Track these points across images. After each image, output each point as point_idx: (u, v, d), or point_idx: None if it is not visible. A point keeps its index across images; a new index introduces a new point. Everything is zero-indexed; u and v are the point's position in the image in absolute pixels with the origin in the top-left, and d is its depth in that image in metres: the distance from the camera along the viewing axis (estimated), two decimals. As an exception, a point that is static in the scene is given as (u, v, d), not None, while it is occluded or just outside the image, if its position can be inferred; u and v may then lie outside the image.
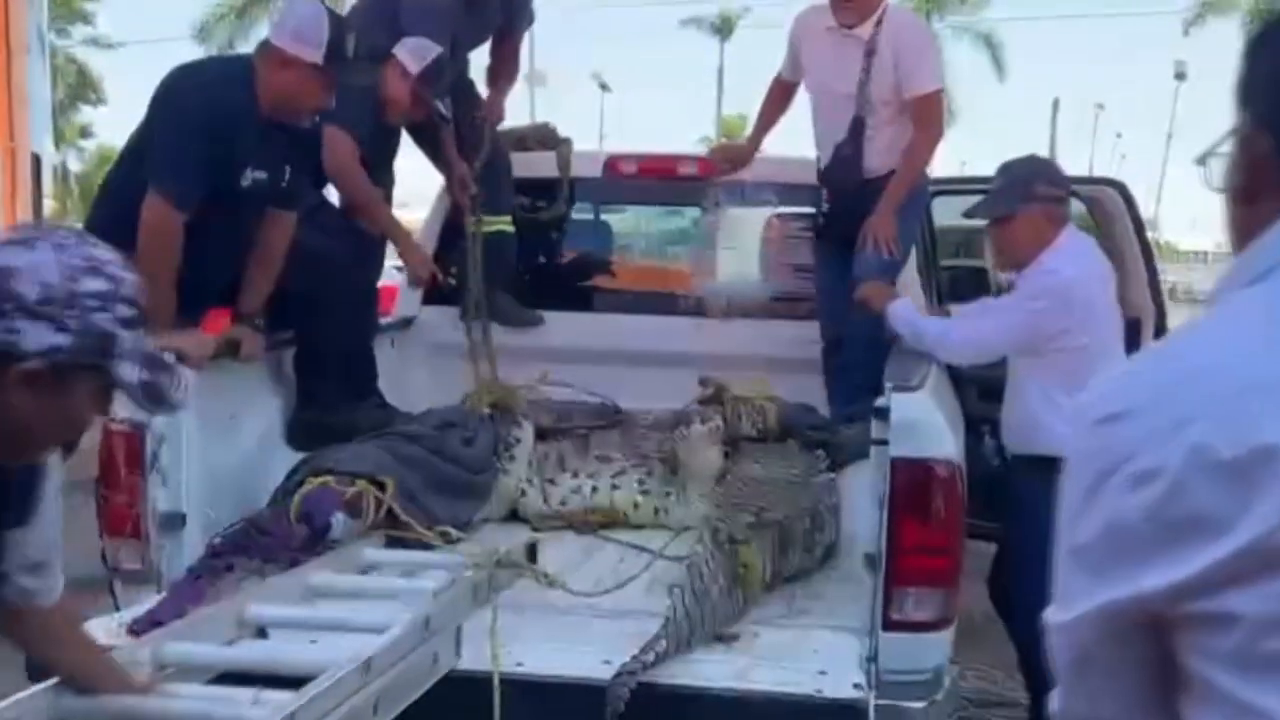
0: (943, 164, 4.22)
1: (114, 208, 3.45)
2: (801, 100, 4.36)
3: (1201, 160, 1.14)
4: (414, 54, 3.99)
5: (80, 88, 32.33)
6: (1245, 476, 0.89)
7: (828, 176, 4.22)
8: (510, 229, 4.50)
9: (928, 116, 4.05)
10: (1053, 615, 1.02)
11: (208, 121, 3.32)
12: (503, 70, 4.73)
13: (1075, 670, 1.02)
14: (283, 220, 3.57)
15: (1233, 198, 1.08)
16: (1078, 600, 0.98)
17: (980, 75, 31.97)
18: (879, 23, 4.05)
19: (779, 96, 4.50)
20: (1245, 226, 1.06)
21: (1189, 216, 64.01)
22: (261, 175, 3.43)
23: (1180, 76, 37.21)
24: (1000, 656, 4.53)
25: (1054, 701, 1.08)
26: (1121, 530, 0.94)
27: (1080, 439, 1.00)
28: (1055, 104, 37.30)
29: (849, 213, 4.13)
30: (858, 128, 4.11)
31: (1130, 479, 0.94)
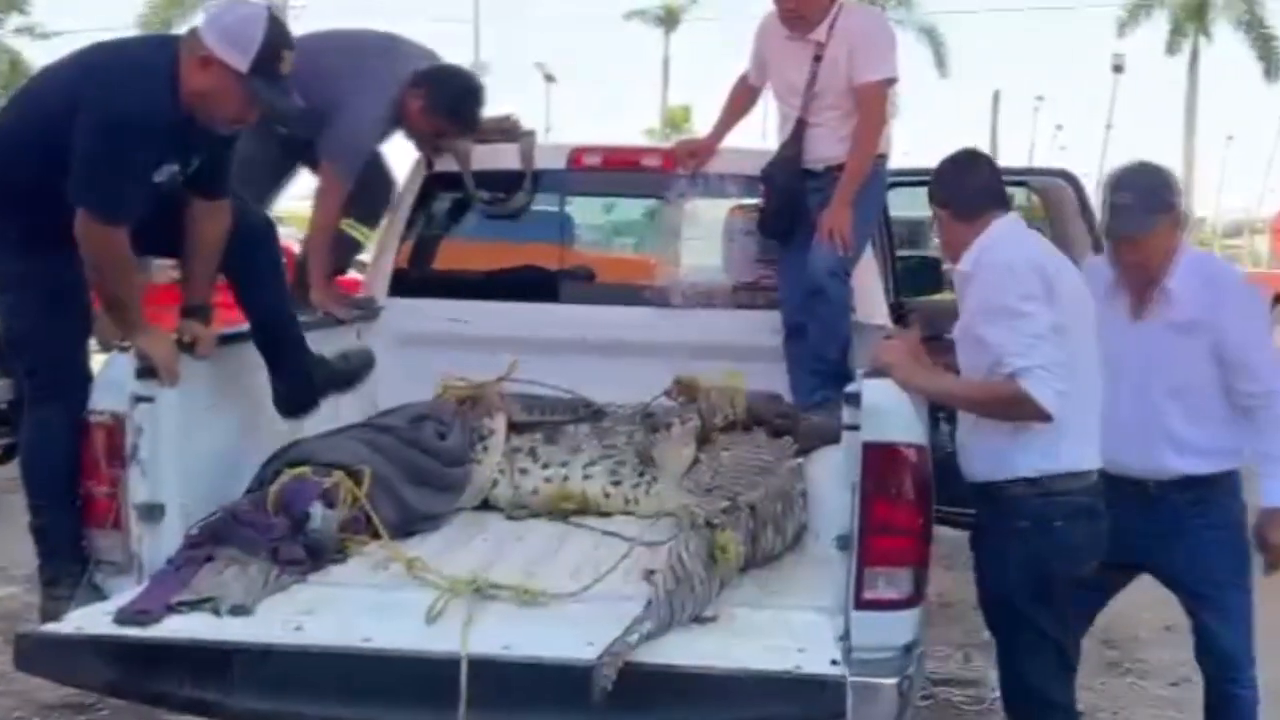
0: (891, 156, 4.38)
1: (22, 212, 3.19)
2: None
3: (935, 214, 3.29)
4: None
5: (14, 78, 31.65)
6: (1053, 279, 3.02)
7: (767, 174, 4.32)
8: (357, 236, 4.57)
9: (870, 104, 4.14)
10: (1027, 328, 2.93)
11: (137, 136, 3.06)
12: None
13: (1044, 338, 2.90)
14: (215, 210, 3.40)
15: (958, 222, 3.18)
16: (1044, 316, 2.94)
17: (922, 69, 32.39)
18: (832, 25, 4.14)
19: (741, 98, 4.60)
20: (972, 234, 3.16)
21: (1126, 207, 64.86)
22: (174, 167, 3.23)
23: (1118, 69, 37.71)
24: (948, 636, 4.67)
25: (1020, 359, 2.90)
26: (1041, 294, 2.97)
27: (1001, 261, 3.06)
28: (996, 96, 37.70)
29: (784, 208, 4.26)
30: (799, 129, 4.22)
31: (1038, 277, 3.00)
